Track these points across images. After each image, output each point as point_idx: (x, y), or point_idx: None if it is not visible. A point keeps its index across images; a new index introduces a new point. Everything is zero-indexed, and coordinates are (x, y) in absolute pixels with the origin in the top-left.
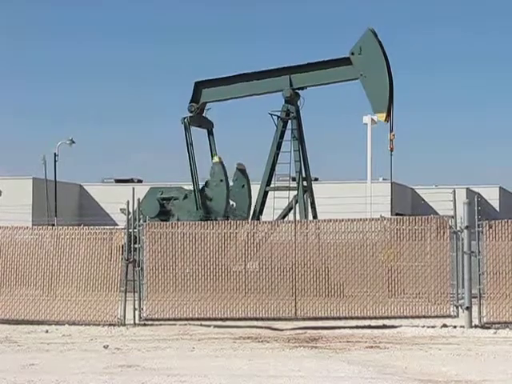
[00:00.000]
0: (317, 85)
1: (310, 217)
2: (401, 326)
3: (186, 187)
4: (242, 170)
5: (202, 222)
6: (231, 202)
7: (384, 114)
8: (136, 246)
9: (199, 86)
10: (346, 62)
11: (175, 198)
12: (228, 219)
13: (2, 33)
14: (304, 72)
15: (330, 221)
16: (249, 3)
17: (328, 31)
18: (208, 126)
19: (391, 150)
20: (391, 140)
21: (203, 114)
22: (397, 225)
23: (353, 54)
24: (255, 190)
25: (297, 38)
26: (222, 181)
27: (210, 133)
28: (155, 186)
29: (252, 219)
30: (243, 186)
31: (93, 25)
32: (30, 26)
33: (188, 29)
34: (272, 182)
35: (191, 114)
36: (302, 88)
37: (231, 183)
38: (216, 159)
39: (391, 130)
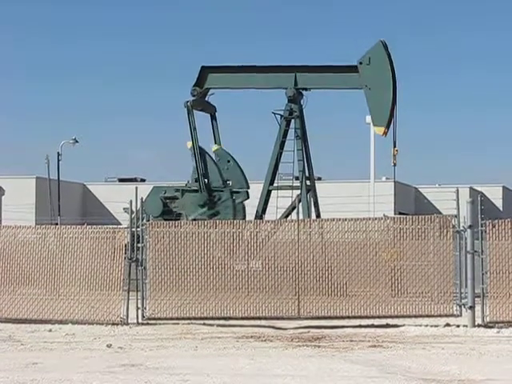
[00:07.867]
0: (320, 88)
1: (313, 216)
2: (404, 325)
3: None
4: (217, 151)
5: (205, 222)
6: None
7: (383, 129)
8: (139, 245)
9: (205, 71)
10: (352, 70)
11: (177, 198)
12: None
13: (4, 32)
14: (310, 73)
15: (333, 220)
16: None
17: (332, 32)
18: (210, 110)
19: (394, 165)
20: (394, 155)
21: (206, 99)
22: (400, 224)
23: (361, 63)
24: (258, 189)
25: (301, 39)
26: (229, 161)
27: (213, 117)
28: (158, 185)
29: (255, 218)
30: (228, 161)
31: (94, 23)
32: (31, 24)
33: (190, 27)
34: (275, 181)
35: (193, 98)
36: (305, 89)
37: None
38: (215, 147)
39: (394, 146)
